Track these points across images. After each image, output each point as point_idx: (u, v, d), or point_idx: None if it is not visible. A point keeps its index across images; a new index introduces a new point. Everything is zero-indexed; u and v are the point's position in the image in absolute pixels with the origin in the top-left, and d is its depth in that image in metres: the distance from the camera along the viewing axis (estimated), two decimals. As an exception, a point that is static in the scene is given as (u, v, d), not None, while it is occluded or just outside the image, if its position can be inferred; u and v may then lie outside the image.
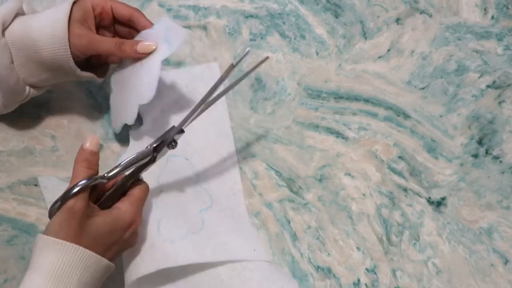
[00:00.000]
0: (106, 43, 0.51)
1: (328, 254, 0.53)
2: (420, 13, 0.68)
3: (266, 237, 0.54)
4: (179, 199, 0.52)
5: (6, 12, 0.49)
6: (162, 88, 0.60)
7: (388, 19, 0.67)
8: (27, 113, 0.58)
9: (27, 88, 0.52)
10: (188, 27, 0.66)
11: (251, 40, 0.65)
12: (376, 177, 0.57)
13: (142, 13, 0.54)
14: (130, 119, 0.53)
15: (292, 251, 0.53)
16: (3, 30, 0.48)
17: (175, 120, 0.58)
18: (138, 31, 0.54)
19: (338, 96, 0.62)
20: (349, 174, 0.57)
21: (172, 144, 0.47)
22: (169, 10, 0.67)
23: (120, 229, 0.43)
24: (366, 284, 0.52)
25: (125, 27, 0.54)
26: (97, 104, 0.60)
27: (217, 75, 0.62)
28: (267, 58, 0.48)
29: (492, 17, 0.67)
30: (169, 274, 0.50)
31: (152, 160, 0.46)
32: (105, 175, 0.44)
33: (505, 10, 0.68)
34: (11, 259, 0.52)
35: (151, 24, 0.53)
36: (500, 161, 0.58)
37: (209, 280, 0.50)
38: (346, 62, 0.64)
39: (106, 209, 0.44)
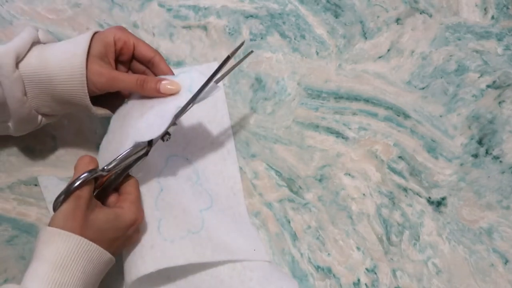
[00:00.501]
0: (126, 81, 0.48)
1: (328, 254, 0.53)
2: (420, 13, 0.68)
3: (266, 237, 0.54)
4: (179, 199, 0.52)
5: (20, 44, 0.47)
6: None
7: (388, 19, 0.67)
8: (27, 113, 0.58)
9: (39, 117, 0.51)
10: (188, 27, 0.66)
11: (251, 40, 0.65)
12: (376, 177, 0.57)
13: (163, 58, 0.52)
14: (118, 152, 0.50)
15: (292, 251, 0.53)
16: (18, 63, 0.47)
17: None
18: (154, 73, 0.52)
19: (338, 96, 0.62)
20: (349, 174, 0.57)
21: (167, 136, 0.47)
22: (169, 10, 0.67)
23: (123, 227, 0.44)
24: (366, 284, 0.52)
25: (141, 65, 0.53)
26: (97, 104, 0.60)
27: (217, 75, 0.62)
28: (242, 43, 0.49)
29: (492, 17, 0.67)
30: (169, 274, 0.50)
31: (146, 154, 0.46)
32: (105, 167, 0.44)
33: (505, 10, 0.68)
34: (11, 259, 0.52)
35: (171, 71, 0.51)
36: (500, 161, 0.58)
37: (209, 279, 0.50)
38: (346, 62, 0.64)
39: (107, 206, 0.45)
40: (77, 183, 0.41)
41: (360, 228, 0.54)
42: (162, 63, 0.52)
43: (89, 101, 0.48)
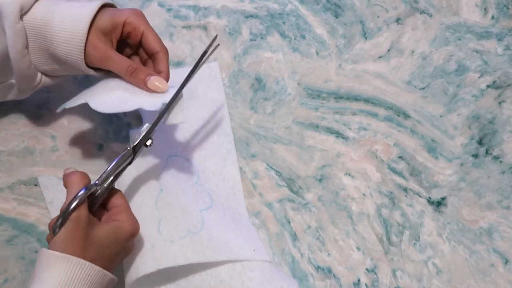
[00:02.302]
0: (118, 63, 0.49)
1: (328, 254, 0.53)
2: (420, 13, 0.68)
3: (266, 237, 0.54)
4: (179, 199, 0.52)
5: None
6: None
7: (388, 19, 0.67)
8: (27, 113, 0.58)
9: (39, 74, 0.51)
10: (188, 27, 0.66)
11: (251, 40, 0.65)
12: (376, 177, 0.57)
13: (166, 56, 0.51)
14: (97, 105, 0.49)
15: (292, 251, 0.53)
16: (22, 15, 0.47)
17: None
18: (154, 69, 0.51)
19: (338, 96, 0.62)
20: (349, 174, 0.57)
21: (150, 141, 0.46)
22: (169, 10, 0.67)
23: (123, 239, 0.44)
24: (366, 284, 0.52)
25: (146, 54, 0.53)
26: (97, 104, 0.60)
27: (217, 75, 0.62)
28: (215, 37, 0.50)
29: (492, 17, 0.67)
30: (169, 274, 0.50)
31: (130, 163, 0.46)
32: (96, 182, 0.43)
33: (505, 10, 0.68)
34: (11, 259, 0.52)
35: (168, 72, 0.51)
36: (500, 161, 0.58)
37: (209, 279, 0.50)
38: (346, 62, 0.64)
39: (104, 221, 0.44)
40: (74, 203, 0.40)
41: (360, 228, 0.54)
42: (162, 62, 0.51)
43: (85, 66, 0.49)
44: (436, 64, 0.64)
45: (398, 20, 0.67)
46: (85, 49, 0.48)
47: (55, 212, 0.53)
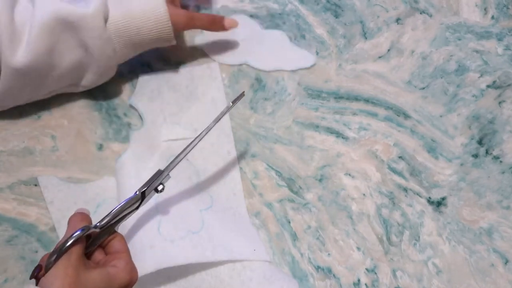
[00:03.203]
0: (202, 20, 0.56)
1: (328, 254, 0.53)
2: (420, 13, 0.68)
3: (266, 237, 0.54)
4: (179, 200, 0.52)
5: (101, 2, 0.51)
6: (163, 88, 0.60)
7: (388, 19, 0.67)
8: (27, 113, 0.58)
9: (116, 67, 0.56)
10: (188, 27, 0.66)
11: (251, 40, 0.65)
12: (376, 177, 0.57)
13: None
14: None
15: (292, 251, 0.53)
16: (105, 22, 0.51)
17: (174, 120, 0.59)
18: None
19: (338, 96, 0.62)
20: (349, 174, 0.57)
21: (161, 186, 0.46)
22: (169, 10, 0.67)
23: (118, 287, 0.41)
24: (366, 284, 0.52)
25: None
26: (97, 104, 0.60)
27: (217, 75, 0.62)
28: (243, 94, 0.51)
29: (492, 17, 0.67)
30: (169, 274, 0.50)
31: (136, 208, 0.45)
32: (97, 224, 0.42)
33: (505, 10, 0.68)
34: (11, 259, 0.52)
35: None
36: (500, 161, 0.58)
37: (209, 279, 0.50)
38: (346, 62, 0.64)
39: (101, 266, 0.42)
40: (70, 241, 0.39)
41: (360, 228, 0.54)
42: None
43: (175, 40, 0.55)
44: (436, 64, 0.64)
45: (398, 20, 0.67)
46: (171, 19, 0.53)
47: (55, 212, 0.53)
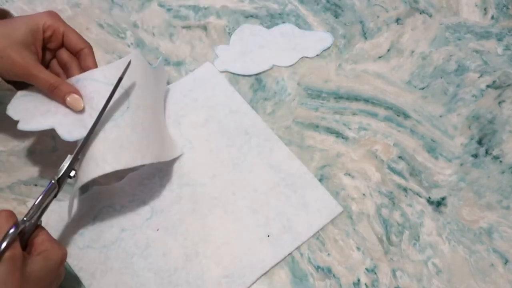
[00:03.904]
0: (41, 80, 0.48)
1: (328, 254, 0.53)
2: (420, 13, 0.68)
3: (266, 237, 0.54)
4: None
5: None
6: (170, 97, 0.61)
7: (388, 19, 0.67)
8: (27, 113, 0.58)
9: None
10: (188, 27, 0.66)
11: (251, 40, 0.65)
12: (376, 177, 0.57)
13: (91, 51, 0.52)
14: (27, 125, 0.50)
15: (292, 251, 0.53)
16: None
17: (177, 121, 0.59)
18: (80, 65, 0.52)
19: (338, 96, 0.62)
20: (349, 174, 0.57)
21: (73, 172, 0.47)
22: (169, 10, 0.67)
23: (55, 267, 0.43)
24: (366, 284, 0.52)
25: (71, 53, 0.52)
26: (97, 104, 0.60)
27: (215, 72, 0.62)
28: (129, 63, 0.50)
29: (492, 17, 0.67)
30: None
31: (55, 196, 0.46)
32: (24, 219, 0.43)
33: (505, 10, 0.68)
34: (11, 259, 0.52)
35: (95, 66, 0.52)
36: (500, 161, 0.58)
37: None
38: (346, 62, 0.64)
39: (33, 255, 0.43)
40: (5, 242, 0.39)
41: (360, 228, 0.54)
42: (89, 57, 0.51)
43: (6, 84, 0.48)
44: (436, 64, 0.64)
45: (398, 20, 0.67)
46: (4, 67, 0.47)
47: (53, 234, 0.53)
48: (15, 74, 0.48)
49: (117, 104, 0.50)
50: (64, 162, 0.47)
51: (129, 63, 0.51)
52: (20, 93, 0.51)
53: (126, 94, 0.51)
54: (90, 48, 0.52)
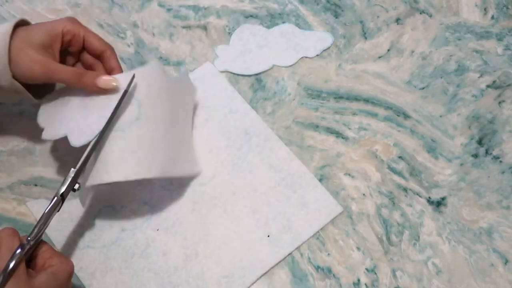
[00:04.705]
0: (64, 73, 0.48)
1: (328, 254, 0.53)
2: (420, 13, 0.68)
3: (266, 237, 0.54)
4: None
5: None
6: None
7: (388, 19, 0.67)
8: (27, 113, 0.58)
9: None
10: (188, 27, 0.66)
11: (251, 40, 0.65)
12: (376, 177, 0.57)
13: (114, 52, 0.52)
14: (48, 135, 0.51)
15: (292, 251, 0.53)
16: None
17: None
18: (104, 68, 0.52)
19: (338, 96, 0.62)
20: (349, 174, 0.57)
21: (77, 185, 0.46)
22: (169, 10, 0.67)
23: (64, 282, 0.43)
24: (366, 284, 0.52)
25: (92, 57, 0.52)
26: (97, 104, 0.60)
27: (215, 72, 0.62)
28: (133, 76, 0.49)
29: (492, 17, 0.67)
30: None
31: (58, 210, 0.45)
32: (29, 238, 0.43)
33: (505, 10, 0.68)
34: (11, 259, 0.52)
35: (119, 67, 0.52)
36: (500, 161, 0.58)
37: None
38: (346, 62, 0.64)
39: (40, 270, 0.43)
40: (12, 264, 0.40)
41: (360, 228, 0.54)
42: (112, 58, 0.51)
43: (17, 83, 0.48)
44: (436, 64, 0.64)
45: (398, 20, 0.67)
46: (24, 69, 0.47)
47: (53, 234, 0.53)
48: (34, 73, 0.48)
49: (127, 114, 0.50)
50: (67, 176, 0.46)
51: (133, 76, 0.50)
52: (45, 100, 0.52)
53: (138, 104, 0.50)
54: (112, 49, 0.52)
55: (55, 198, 0.45)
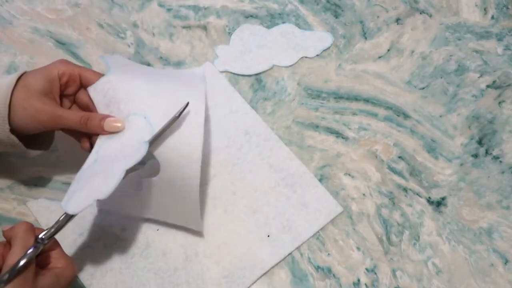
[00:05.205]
0: (70, 119, 0.48)
1: (328, 254, 0.53)
2: (420, 13, 0.68)
3: (266, 237, 0.54)
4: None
5: None
6: None
7: (388, 19, 0.67)
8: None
9: None
10: (188, 27, 0.66)
11: (251, 40, 0.65)
12: (376, 177, 0.57)
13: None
14: (75, 208, 0.45)
15: (292, 251, 0.53)
16: None
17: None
18: None
19: (338, 96, 0.62)
20: (349, 174, 0.57)
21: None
22: (169, 10, 0.67)
23: (66, 284, 0.43)
24: (366, 284, 0.52)
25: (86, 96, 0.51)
26: (97, 104, 0.60)
27: (215, 72, 0.62)
28: (187, 104, 0.48)
29: (492, 17, 0.67)
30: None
31: (74, 215, 0.44)
32: (43, 237, 0.43)
33: (505, 10, 0.68)
34: (11, 259, 0.52)
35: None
36: (500, 161, 0.58)
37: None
38: (346, 62, 0.64)
39: (45, 269, 0.43)
40: (23, 261, 0.40)
41: (360, 228, 0.54)
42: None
43: (14, 138, 0.47)
44: (436, 64, 0.64)
45: (398, 20, 0.67)
46: (30, 119, 0.47)
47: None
48: (40, 121, 0.47)
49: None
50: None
51: (187, 104, 0.47)
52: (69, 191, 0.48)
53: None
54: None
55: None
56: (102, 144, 0.48)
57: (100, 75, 0.51)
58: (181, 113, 0.48)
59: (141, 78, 0.50)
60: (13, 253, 0.40)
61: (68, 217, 0.44)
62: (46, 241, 0.43)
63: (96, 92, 0.50)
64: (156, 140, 0.47)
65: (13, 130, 0.47)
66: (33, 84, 0.48)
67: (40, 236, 0.43)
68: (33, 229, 0.43)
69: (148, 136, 0.47)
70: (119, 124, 0.48)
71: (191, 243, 0.52)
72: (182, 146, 0.48)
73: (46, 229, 0.43)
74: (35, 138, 0.51)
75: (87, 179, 0.46)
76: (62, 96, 0.51)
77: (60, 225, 0.44)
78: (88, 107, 0.51)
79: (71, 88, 0.51)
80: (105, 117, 0.48)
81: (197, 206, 0.49)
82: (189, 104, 0.48)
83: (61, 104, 0.51)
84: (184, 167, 0.48)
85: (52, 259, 0.44)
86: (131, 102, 0.48)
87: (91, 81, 0.50)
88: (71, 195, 0.44)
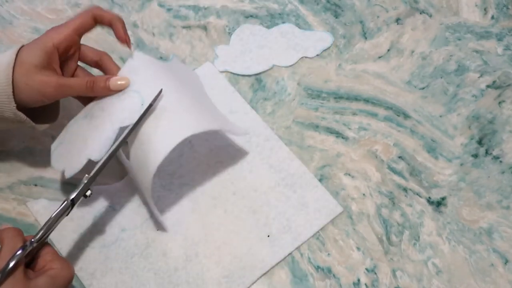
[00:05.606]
0: (76, 86, 0.48)
1: (328, 254, 0.53)
2: (420, 13, 0.68)
3: (266, 237, 0.54)
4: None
5: None
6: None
7: (388, 19, 0.67)
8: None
9: None
10: (188, 27, 0.66)
11: (251, 40, 0.65)
12: (376, 177, 0.57)
13: (110, 57, 0.52)
14: (71, 170, 0.49)
15: (292, 251, 0.53)
16: None
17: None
18: (104, 74, 0.52)
19: (338, 96, 0.62)
20: (349, 174, 0.57)
21: (89, 192, 0.46)
22: (169, 10, 0.67)
23: (63, 286, 0.43)
24: (366, 284, 0.52)
25: (90, 66, 0.52)
26: (97, 104, 0.60)
27: (215, 72, 0.62)
28: (160, 91, 0.48)
29: (492, 17, 0.67)
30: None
31: (67, 214, 0.45)
32: (32, 240, 0.42)
33: (505, 10, 0.68)
34: (11, 259, 0.52)
35: (118, 68, 0.51)
36: (500, 161, 0.58)
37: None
38: (346, 62, 0.64)
39: (39, 271, 0.43)
40: (12, 263, 0.39)
41: (360, 228, 0.54)
42: (110, 62, 0.51)
43: (21, 114, 0.47)
44: (436, 64, 0.64)
45: (398, 20, 0.67)
46: (36, 93, 0.47)
47: (53, 233, 0.52)
48: (45, 94, 0.47)
49: (131, 105, 0.49)
50: (80, 182, 0.45)
51: (160, 91, 0.49)
52: (53, 145, 0.52)
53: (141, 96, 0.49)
54: (107, 54, 0.52)
55: (65, 202, 0.44)
56: (96, 103, 0.50)
57: (100, 53, 0.52)
58: (154, 100, 0.48)
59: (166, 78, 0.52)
60: (1, 257, 0.40)
61: (56, 219, 0.44)
62: (35, 243, 0.42)
63: (133, 61, 0.51)
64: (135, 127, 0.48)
65: (19, 107, 0.47)
66: (32, 59, 0.47)
67: (30, 240, 0.42)
68: (20, 233, 0.42)
69: (142, 104, 0.48)
70: (124, 82, 0.49)
71: (191, 243, 0.52)
72: (150, 144, 0.48)
73: (36, 233, 0.43)
74: (41, 111, 0.51)
75: (76, 134, 0.47)
76: (63, 61, 0.51)
77: (48, 227, 0.43)
78: (92, 61, 0.52)
79: (71, 51, 0.51)
80: (109, 77, 0.49)
81: (151, 202, 0.51)
82: (176, 101, 0.49)
83: (65, 68, 0.51)
84: (144, 165, 0.48)
85: (47, 262, 0.43)
86: (140, 83, 0.49)
87: (90, 56, 0.51)
88: (60, 152, 0.46)
